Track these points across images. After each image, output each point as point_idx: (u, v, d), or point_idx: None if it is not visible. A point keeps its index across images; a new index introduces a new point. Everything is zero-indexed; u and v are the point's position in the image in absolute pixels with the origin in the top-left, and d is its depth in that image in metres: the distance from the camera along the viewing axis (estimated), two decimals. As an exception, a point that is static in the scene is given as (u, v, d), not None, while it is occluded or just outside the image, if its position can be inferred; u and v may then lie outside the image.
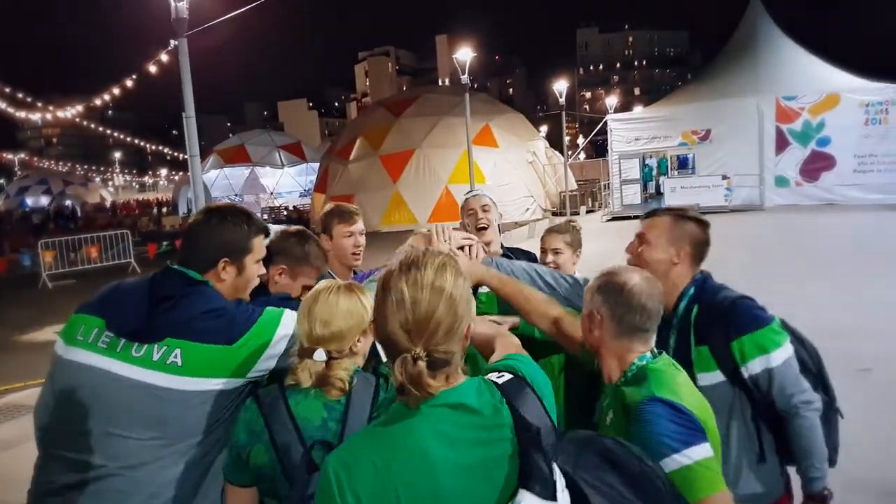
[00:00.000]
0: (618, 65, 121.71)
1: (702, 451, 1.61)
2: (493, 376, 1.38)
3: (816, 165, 20.81)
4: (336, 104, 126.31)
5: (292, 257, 2.49)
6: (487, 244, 3.01)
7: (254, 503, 1.72)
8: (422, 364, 1.24)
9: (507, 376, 1.38)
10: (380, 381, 1.74)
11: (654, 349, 1.83)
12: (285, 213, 34.72)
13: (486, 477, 1.26)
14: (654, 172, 25.35)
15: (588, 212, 25.57)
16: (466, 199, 3.19)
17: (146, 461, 1.79)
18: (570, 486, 1.28)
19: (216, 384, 1.82)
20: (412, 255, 1.33)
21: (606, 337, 1.83)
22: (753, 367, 2.08)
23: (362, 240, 3.05)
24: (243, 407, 1.78)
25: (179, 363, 1.80)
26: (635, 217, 21.41)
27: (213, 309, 1.88)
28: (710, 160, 21.82)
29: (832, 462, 2.18)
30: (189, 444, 1.82)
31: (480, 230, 3.07)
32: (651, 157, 24.63)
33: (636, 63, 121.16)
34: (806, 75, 21.47)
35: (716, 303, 2.16)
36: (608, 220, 21.60)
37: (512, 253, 3.26)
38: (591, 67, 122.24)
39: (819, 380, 2.24)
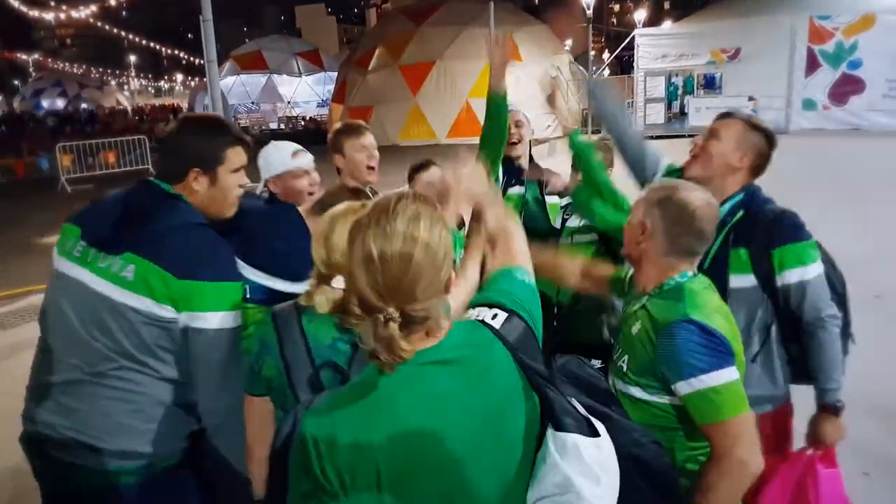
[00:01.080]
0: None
1: (728, 375, 1.64)
2: (485, 315, 1.27)
3: (846, 89, 20.10)
4: (355, 10, 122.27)
5: None
6: (517, 158, 3.37)
7: (270, 413, 1.74)
8: (394, 326, 1.12)
9: (501, 316, 1.27)
10: None
11: (695, 269, 1.83)
12: (303, 123, 34.34)
13: (495, 434, 1.17)
14: (680, 91, 24.62)
15: (609, 130, 25.06)
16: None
17: (111, 372, 1.85)
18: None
19: (159, 309, 1.84)
20: (381, 203, 1.18)
21: (653, 251, 1.80)
22: (790, 276, 2.16)
23: (376, 153, 3.01)
24: (259, 320, 1.82)
25: (130, 277, 1.83)
26: (658, 137, 21.11)
27: (179, 226, 1.88)
28: (738, 80, 21.13)
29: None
30: (142, 365, 1.86)
31: (511, 144, 3.29)
32: (677, 75, 23.87)
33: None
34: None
35: (763, 211, 2.22)
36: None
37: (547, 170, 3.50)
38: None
39: (842, 302, 2.31)
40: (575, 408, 1.20)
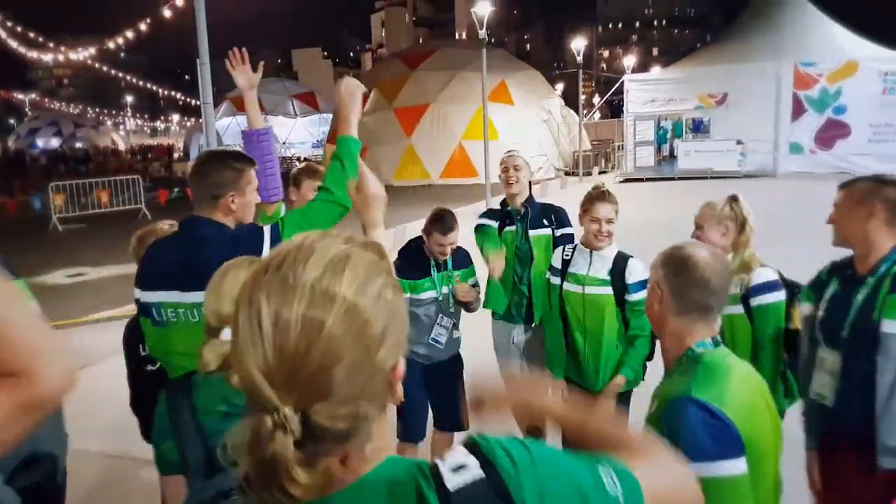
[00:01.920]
0: (637, 23, 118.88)
1: (731, 467, 1.45)
2: (449, 462, 0.76)
3: (831, 133, 20.52)
4: (351, 54, 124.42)
5: None
6: (513, 196, 3.71)
7: (183, 491, 1.61)
8: (284, 439, 0.69)
9: (471, 472, 0.75)
10: None
11: (718, 337, 1.68)
12: (297, 163, 34.58)
13: None
14: (669, 135, 25.04)
15: (601, 172, 25.37)
16: (504, 157, 3.79)
17: None
18: None
19: None
20: (293, 243, 0.78)
21: (667, 314, 1.70)
22: None
23: None
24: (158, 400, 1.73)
25: None
26: (648, 179, 21.41)
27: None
28: (726, 124, 21.53)
29: None
30: None
31: (509, 185, 3.69)
32: (666, 119, 24.30)
33: (656, 22, 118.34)
34: (825, 41, 21.06)
35: None
36: (620, 182, 21.44)
37: (541, 205, 3.78)
38: (611, 25, 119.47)
39: None
40: None
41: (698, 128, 23.53)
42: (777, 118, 20.81)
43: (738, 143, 20.69)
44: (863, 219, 2.27)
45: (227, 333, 1.50)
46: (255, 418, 0.70)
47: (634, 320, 3.10)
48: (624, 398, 3.16)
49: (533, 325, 3.70)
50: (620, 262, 3.14)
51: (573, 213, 3.57)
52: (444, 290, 3.53)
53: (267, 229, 2.21)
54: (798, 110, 20.85)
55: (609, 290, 3.09)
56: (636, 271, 3.11)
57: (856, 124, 20.15)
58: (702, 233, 2.78)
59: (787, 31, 21.53)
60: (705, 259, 1.67)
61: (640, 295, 3.03)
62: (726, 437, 1.47)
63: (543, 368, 3.47)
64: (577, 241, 3.44)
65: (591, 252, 3.17)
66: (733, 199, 2.81)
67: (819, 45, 20.86)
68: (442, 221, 3.47)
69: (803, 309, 2.50)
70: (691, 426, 1.47)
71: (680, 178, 20.80)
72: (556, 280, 3.27)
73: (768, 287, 2.61)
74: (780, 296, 2.62)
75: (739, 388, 1.57)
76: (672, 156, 23.14)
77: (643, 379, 3.17)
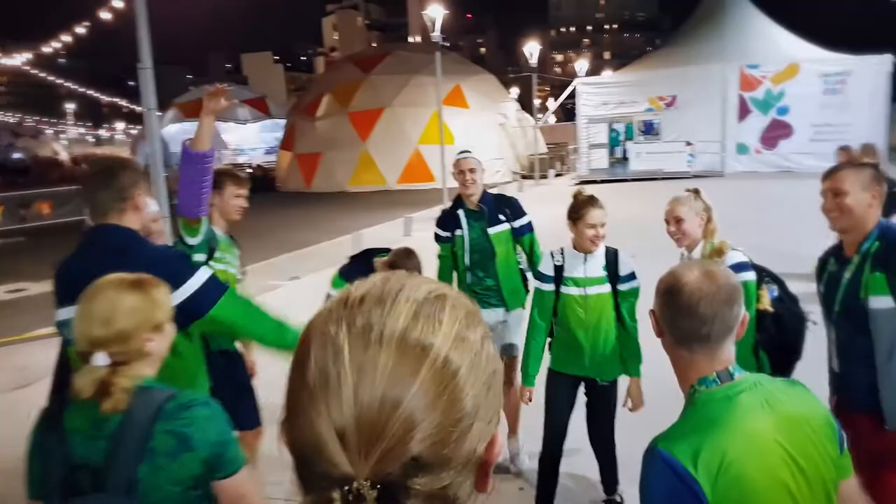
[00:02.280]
0: (589, 27, 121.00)
1: None
2: None
3: (775, 133, 21.21)
4: (303, 58, 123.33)
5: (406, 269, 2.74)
6: (470, 196, 3.85)
7: None
8: None
9: None
10: (168, 402, 1.49)
11: (730, 368, 1.43)
12: (249, 170, 33.99)
13: None
14: (622, 137, 25.47)
15: (556, 175, 25.63)
16: (457, 158, 3.90)
17: None
18: None
19: None
20: (370, 284, 0.63)
21: (668, 346, 1.52)
22: None
23: (246, 203, 3.44)
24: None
25: None
26: (602, 181, 21.68)
27: None
28: (675, 126, 22.04)
29: None
30: None
31: (465, 186, 3.83)
32: (618, 122, 24.72)
33: (607, 26, 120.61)
34: (769, 45, 21.77)
35: None
36: (576, 184, 21.60)
37: (494, 198, 3.92)
38: (564, 29, 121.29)
39: None
40: None
41: (649, 130, 23.98)
42: (724, 119, 21.40)
43: (688, 144, 21.17)
44: (866, 203, 2.43)
45: (99, 358, 1.45)
46: (317, 496, 0.56)
47: (627, 309, 3.25)
48: (612, 383, 3.30)
49: (506, 311, 3.90)
50: (611, 256, 3.25)
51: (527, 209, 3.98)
52: None
53: (204, 274, 2.17)
54: (744, 111, 21.49)
55: (608, 288, 3.21)
56: (625, 263, 3.24)
57: (798, 124, 20.86)
58: (679, 227, 2.92)
59: (732, 34, 22.19)
60: (693, 283, 1.45)
61: (631, 284, 3.22)
62: (683, 496, 1.24)
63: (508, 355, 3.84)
64: (535, 228, 3.84)
65: (584, 255, 3.24)
66: (697, 192, 2.97)
67: (762, 48, 21.57)
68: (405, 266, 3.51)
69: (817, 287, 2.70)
70: (651, 482, 1.32)
71: (632, 180, 21.16)
72: (548, 286, 3.28)
73: (741, 267, 2.71)
74: (751, 276, 2.73)
75: (733, 445, 1.29)
76: (625, 157, 23.52)
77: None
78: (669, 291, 1.47)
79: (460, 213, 3.89)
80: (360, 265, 3.64)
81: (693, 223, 2.92)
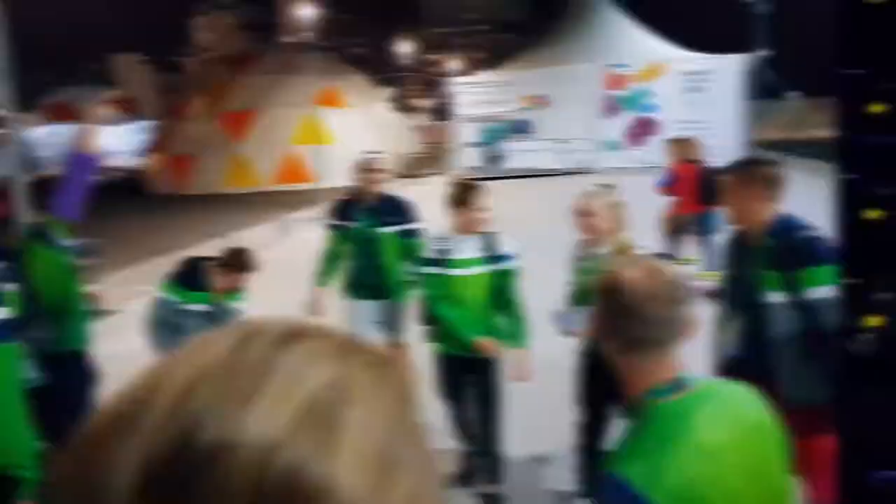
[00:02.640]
0: (462, 27, 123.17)
1: None
2: None
3: (642, 130, 22.55)
4: (172, 58, 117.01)
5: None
6: (371, 194, 4.21)
7: None
8: None
9: None
10: None
11: (682, 376, 1.31)
12: (117, 173, 31.84)
13: None
14: (496, 136, 26.13)
15: (432, 175, 25.93)
16: (366, 158, 4.30)
17: None
18: None
19: None
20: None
21: (611, 354, 1.35)
22: (816, 293, 2.40)
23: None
24: None
25: None
26: (479, 179, 21.98)
27: None
28: (548, 125, 22.86)
29: None
30: None
31: (373, 185, 4.22)
32: (493, 121, 25.37)
33: (480, 26, 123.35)
34: (633, 45, 23.08)
35: (792, 237, 2.50)
36: (454, 183, 22.01)
37: (390, 199, 4.28)
38: (437, 30, 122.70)
39: None
40: None
41: (523, 129, 24.80)
42: (594, 118, 22.50)
43: (560, 141, 22.12)
44: (747, 198, 2.59)
45: None
46: None
47: (506, 288, 3.42)
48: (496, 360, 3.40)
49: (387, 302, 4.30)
50: (489, 237, 3.40)
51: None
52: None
53: None
54: (611, 109, 22.71)
55: (487, 267, 3.37)
56: (503, 243, 3.41)
57: (664, 121, 22.30)
58: (588, 220, 3.03)
59: (600, 34, 23.35)
60: (636, 283, 1.30)
61: (509, 264, 3.39)
62: None
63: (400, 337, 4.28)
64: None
65: (466, 238, 3.36)
66: (609, 187, 3.13)
67: (627, 48, 22.81)
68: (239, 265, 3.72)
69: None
70: (604, 498, 1.24)
71: (507, 178, 21.83)
72: (435, 269, 3.39)
73: None
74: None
75: (693, 464, 1.21)
76: (500, 156, 24.17)
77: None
78: (612, 292, 1.32)
79: (355, 206, 4.27)
80: (190, 271, 3.76)
81: (603, 218, 3.01)
